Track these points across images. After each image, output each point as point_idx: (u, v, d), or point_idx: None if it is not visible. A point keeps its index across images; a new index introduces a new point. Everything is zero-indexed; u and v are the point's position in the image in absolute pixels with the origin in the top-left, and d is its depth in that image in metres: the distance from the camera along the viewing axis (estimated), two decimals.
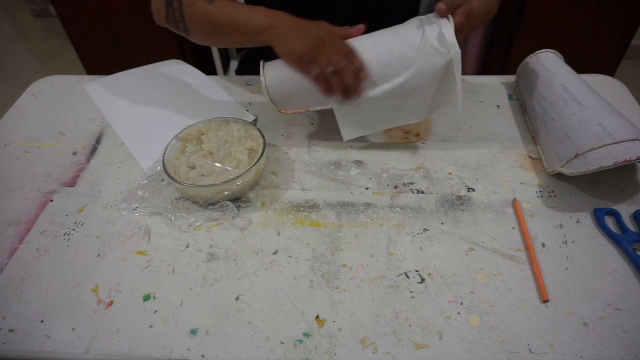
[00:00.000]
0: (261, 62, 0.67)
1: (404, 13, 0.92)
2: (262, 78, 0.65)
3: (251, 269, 0.56)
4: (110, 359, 0.48)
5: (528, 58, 0.77)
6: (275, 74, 0.65)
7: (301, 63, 0.61)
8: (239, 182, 0.60)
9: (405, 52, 0.61)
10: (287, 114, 0.73)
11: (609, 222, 0.59)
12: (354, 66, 0.61)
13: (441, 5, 0.62)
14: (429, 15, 0.64)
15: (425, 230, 0.59)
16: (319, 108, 0.68)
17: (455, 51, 0.60)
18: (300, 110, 0.69)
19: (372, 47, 0.63)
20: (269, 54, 0.66)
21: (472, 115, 0.76)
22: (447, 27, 0.61)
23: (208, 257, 0.57)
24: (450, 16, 0.62)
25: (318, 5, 0.83)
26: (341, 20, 0.69)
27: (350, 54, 0.61)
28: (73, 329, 0.50)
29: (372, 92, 0.64)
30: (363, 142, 0.72)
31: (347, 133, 0.69)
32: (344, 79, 0.61)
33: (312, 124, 0.76)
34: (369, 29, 0.66)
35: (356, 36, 0.66)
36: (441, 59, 0.60)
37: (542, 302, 0.51)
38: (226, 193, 0.61)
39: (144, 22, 1.53)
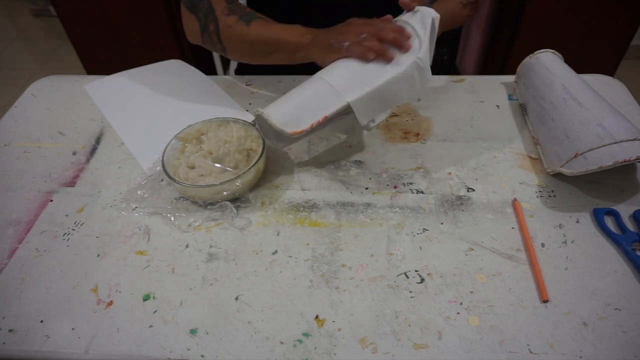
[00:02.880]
0: (255, 116, 0.63)
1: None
2: (259, 124, 0.64)
3: (251, 269, 0.56)
4: (110, 359, 0.49)
5: (528, 58, 0.77)
6: (269, 107, 0.62)
7: (334, 49, 0.62)
8: (238, 182, 0.60)
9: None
10: (303, 134, 0.62)
11: (609, 222, 0.59)
12: (391, 26, 0.62)
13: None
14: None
15: (424, 230, 0.59)
16: (334, 109, 0.60)
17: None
18: (317, 121, 0.60)
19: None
20: None
21: (472, 115, 0.76)
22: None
23: (208, 257, 0.57)
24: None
25: (319, 8, 0.83)
26: (338, 22, 0.69)
27: (382, 23, 0.62)
28: (73, 329, 0.51)
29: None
30: (363, 142, 0.72)
31: (363, 119, 0.63)
32: (384, 37, 0.61)
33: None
34: None
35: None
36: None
37: (542, 302, 0.51)
38: (225, 193, 0.61)
39: (144, 22, 1.53)
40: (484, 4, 1.56)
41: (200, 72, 0.87)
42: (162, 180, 0.66)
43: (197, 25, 0.74)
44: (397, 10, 0.67)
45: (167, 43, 1.58)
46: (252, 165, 0.61)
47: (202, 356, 0.48)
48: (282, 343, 0.49)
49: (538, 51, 0.76)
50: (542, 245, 0.57)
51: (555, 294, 0.52)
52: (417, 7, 0.65)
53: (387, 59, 0.60)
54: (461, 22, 0.79)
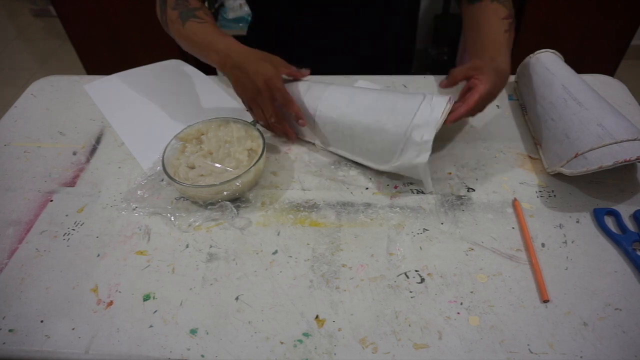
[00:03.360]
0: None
1: (405, 16, 0.92)
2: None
3: (251, 269, 0.56)
4: (110, 359, 0.49)
5: (528, 58, 0.77)
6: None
7: (246, 106, 0.69)
8: (238, 182, 0.60)
9: (390, 129, 0.61)
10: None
11: (609, 222, 0.59)
12: (292, 114, 0.66)
13: (443, 82, 0.64)
14: (434, 95, 0.63)
15: (425, 230, 0.59)
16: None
17: (423, 158, 0.59)
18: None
19: (363, 107, 0.64)
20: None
21: None
22: (432, 123, 0.59)
23: (208, 257, 0.57)
24: (450, 100, 0.62)
25: (318, 4, 0.83)
26: (338, 22, 0.69)
27: (287, 103, 0.65)
28: (73, 329, 0.50)
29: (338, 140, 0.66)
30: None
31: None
32: (283, 125, 0.68)
33: None
34: (368, 33, 0.66)
35: (301, 78, 0.70)
36: (416, 155, 0.60)
37: (542, 302, 0.51)
38: (225, 193, 0.61)
39: (144, 22, 1.53)
40: None
41: (200, 72, 0.87)
42: (162, 180, 0.66)
43: (159, 10, 0.78)
44: (394, 11, 0.67)
45: (167, 43, 1.57)
46: (252, 165, 0.61)
47: (202, 356, 0.48)
48: (282, 343, 0.49)
49: (538, 51, 0.76)
50: (543, 245, 0.57)
51: (555, 294, 0.52)
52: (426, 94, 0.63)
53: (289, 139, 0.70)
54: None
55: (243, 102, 0.69)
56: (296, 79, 0.70)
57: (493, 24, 0.71)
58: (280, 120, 0.67)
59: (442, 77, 0.84)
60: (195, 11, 0.73)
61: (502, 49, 0.67)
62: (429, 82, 0.83)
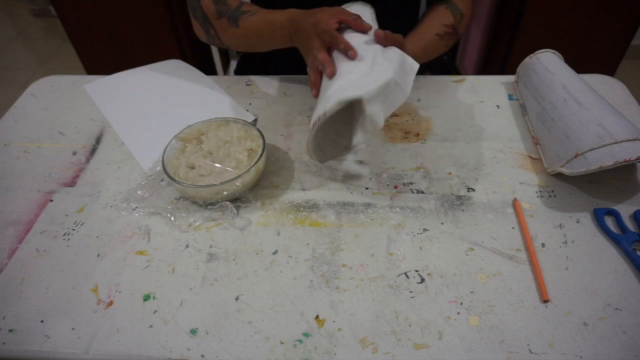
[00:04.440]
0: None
1: (404, 17, 0.92)
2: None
3: (251, 269, 0.56)
4: (110, 359, 0.48)
5: (528, 58, 0.77)
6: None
7: (305, 57, 0.64)
8: (238, 182, 0.60)
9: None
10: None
11: (609, 222, 0.59)
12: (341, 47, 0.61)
13: (380, 33, 0.60)
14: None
15: (425, 230, 0.59)
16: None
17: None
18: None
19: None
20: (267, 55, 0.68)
21: (472, 115, 0.76)
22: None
23: (208, 257, 0.57)
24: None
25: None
26: None
27: (334, 39, 0.60)
28: (73, 329, 0.50)
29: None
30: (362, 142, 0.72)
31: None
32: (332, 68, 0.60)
33: None
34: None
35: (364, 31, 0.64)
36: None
37: (542, 302, 0.51)
38: (225, 193, 0.61)
39: (144, 22, 1.53)
40: (484, 3, 1.56)
41: (200, 72, 0.87)
42: (162, 181, 0.66)
43: (201, 29, 0.79)
44: (394, 12, 0.67)
45: (167, 43, 1.58)
46: (252, 165, 0.61)
47: (202, 356, 0.48)
48: (282, 343, 0.49)
49: (538, 51, 0.76)
50: (543, 245, 0.57)
51: (555, 294, 0.52)
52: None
53: (327, 75, 0.60)
54: (437, 54, 0.77)
55: (304, 56, 0.65)
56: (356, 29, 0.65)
57: (431, 23, 0.76)
58: (329, 65, 0.60)
59: (443, 77, 0.85)
60: (240, 8, 0.73)
61: (419, 42, 0.71)
62: (429, 82, 0.83)
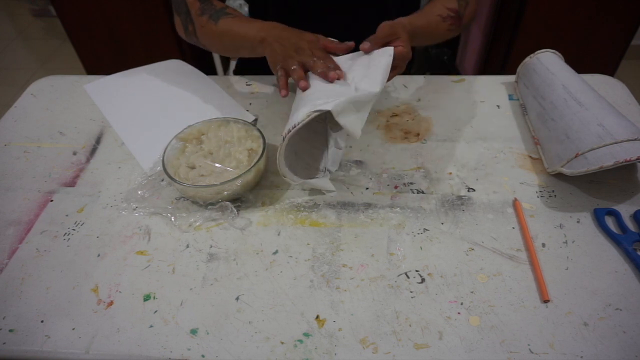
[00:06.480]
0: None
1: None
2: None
3: (251, 269, 0.56)
4: (110, 359, 0.48)
5: (528, 58, 0.77)
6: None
7: (275, 69, 0.66)
8: (238, 182, 0.60)
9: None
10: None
11: (609, 222, 0.59)
12: (327, 64, 0.62)
13: (364, 45, 0.63)
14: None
15: (425, 230, 0.59)
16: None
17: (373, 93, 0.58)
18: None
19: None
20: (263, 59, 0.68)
21: (472, 115, 0.76)
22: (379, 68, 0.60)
23: (208, 257, 0.57)
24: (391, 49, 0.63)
25: (316, 13, 0.83)
26: (337, 23, 0.69)
27: (325, 58, 0.63)
28: (73, 329, 0.50)
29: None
30: (363, 142, 0.72)
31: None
32: (314, 68, 0.62)
33: None
34: (367, 34, 0.66)
35: (343, 52, 0.66)
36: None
37: (543, 302, 0.51)
38: (226, 193, 0.61)
39: (144, 22, 1.53)
40: (484, 3, 1.56)
41: (200, 72, 0.87)
42: (163, 181, 0.66)
43: (181, 25, 0.80)
44: (393, 15, 0.67)
45: (167, 43, 1.58)
46: (253, 165, 0.61)
47: (203, 356, 0.48)
48: (282, 343, 0.49)
49: (538, 51, 0.76)
50: (543, 245, 0.57)
51: (555, 294, 0.52)
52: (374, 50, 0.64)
53: (301, 87, 0.61)
54: (441, 36, 0.78)
55: (274, 68, 0.67)
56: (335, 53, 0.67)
57: (434, 6, 0.77)
58: (313, 66, 0.63)
59: (443, 77, 0.85)
60: (225, 10, 0.75)
61: (421, 19, 0.72)
62: (429, 82, 0.83)
